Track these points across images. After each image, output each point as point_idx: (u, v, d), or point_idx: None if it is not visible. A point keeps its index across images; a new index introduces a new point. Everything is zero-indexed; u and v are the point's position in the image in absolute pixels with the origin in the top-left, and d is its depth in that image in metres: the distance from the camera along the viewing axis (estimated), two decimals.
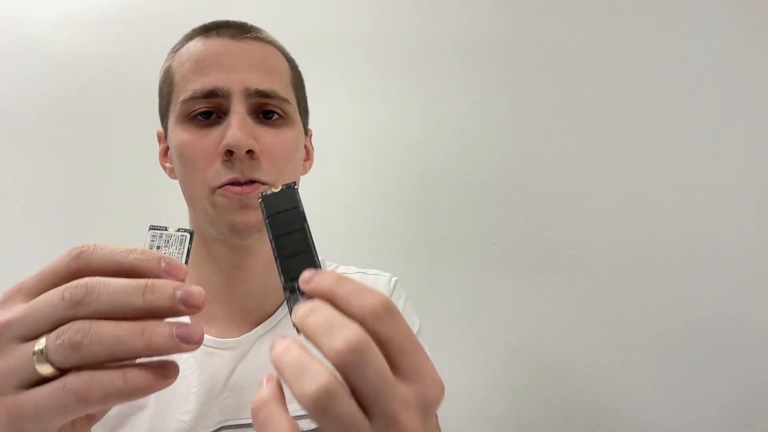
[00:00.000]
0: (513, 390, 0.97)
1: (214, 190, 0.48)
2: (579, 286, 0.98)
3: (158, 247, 0.27)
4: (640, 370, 0.96)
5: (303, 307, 0.24)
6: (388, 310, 0.24)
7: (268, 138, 0.49)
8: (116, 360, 0.24)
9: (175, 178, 0.54)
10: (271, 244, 0.27)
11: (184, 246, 0.28)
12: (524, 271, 0.99)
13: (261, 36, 0.53)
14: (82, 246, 0.25)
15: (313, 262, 0.27)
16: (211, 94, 0.48)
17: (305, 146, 0.59)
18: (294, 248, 0.27)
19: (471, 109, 1.02)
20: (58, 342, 0.23)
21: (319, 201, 1.00)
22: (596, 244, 0.99)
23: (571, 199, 1.00)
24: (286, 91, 0.53)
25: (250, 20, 0.55)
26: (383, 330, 0.23)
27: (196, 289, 0.25)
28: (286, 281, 0.27)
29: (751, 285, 0.96)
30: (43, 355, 0.23)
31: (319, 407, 0.21)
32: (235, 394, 0.50)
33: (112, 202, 1.01)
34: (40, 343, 0.23)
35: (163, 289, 0.24)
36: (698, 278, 0.97)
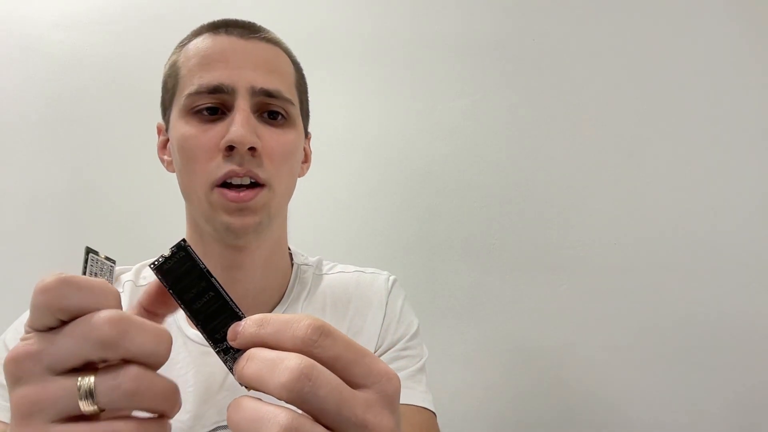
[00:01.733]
0: (513, 390, 0.97)
1: (212, 186, 0.48)
2: (579, 286, 0.98)
3: (95, 274, 0.27)
4: (640, 370, 0.96)
5: (239, 362, 0.24)
6: (320, 329, 0.23)
7: (270, 137, 0.50)
8: (150, 412, 0.24)
9: (173, 171, 0.54)
10: (186, 313, 0.26)
11: (112, 276, 0.28)
12: (524, 271, 0.99)
13: (269, 37, 0.54)
14: (62, 277, 0.23)
15: (235, 316, 0.26)
16: (216, 89, 0.48)
17: (304, 149, 0.60)
18: (210, 309, 0.26)
19: (471, 109, 1.02)
20: (114, 385, 0.22)
21: (319, 201, 1.00)
22: (596, 244, 0.98)
23: (571, 199, 0.99)
24: (290, 93, 0.53)
25: (249, 19, 0.55)
26: (323, 351, 0.23)
27: None
28: (215, 345, 0.26)
29: (751, 285, 0.96)
30: (90, 393, 0.22)
31: None
32: (233, 393, 0.50)
33: (111, 202, 1.01)
34: (87, 381, 0.22)
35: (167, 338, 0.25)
36: (698, 278, 0.96)
